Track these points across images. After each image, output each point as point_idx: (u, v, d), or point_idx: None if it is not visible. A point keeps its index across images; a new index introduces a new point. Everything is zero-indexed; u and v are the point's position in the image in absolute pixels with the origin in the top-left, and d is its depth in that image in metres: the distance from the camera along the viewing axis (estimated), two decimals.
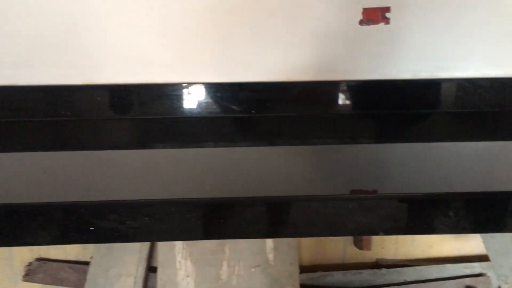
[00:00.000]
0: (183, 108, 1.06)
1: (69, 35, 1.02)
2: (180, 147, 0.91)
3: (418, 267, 1.18)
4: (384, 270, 1.17)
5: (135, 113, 1.06)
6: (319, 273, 1.17)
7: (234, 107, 1.08)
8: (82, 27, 1.01)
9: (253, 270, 1.03)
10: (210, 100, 1.07)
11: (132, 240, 0.68)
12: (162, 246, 1.06)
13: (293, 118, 1.05)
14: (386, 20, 0.99)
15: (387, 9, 1.00)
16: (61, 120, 1.05)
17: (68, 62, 1.03)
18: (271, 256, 1.05)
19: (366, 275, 1.16)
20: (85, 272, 1.14)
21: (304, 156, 0.84)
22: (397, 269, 1.18)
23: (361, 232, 0.80)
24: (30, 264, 1.17)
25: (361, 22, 1.02)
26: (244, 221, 0.66)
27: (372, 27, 1.03)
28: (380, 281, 1.17)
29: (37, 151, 0.89)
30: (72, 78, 1.04)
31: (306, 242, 1.19)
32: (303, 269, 1.17)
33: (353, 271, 1.17)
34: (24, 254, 1.17)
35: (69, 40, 1.02)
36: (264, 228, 0.67)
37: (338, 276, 1.17)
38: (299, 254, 1.17)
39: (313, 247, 1.21)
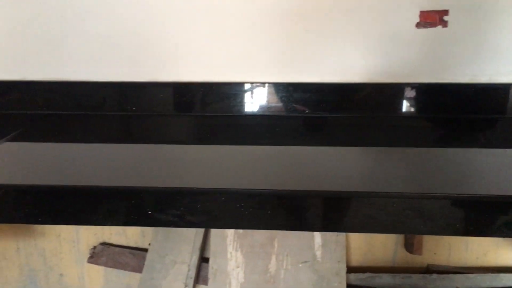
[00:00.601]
0: (243, 106, 1.12)
1: (138, 36, 1.11)
2: (239, 144, 0.96)
3: (470, 275, 1.16)
4: (435, 276, 1.17)
5: (196, 110, 1.14)
6: (367, 274, 1.19)
7: (294, 106, 1.12)
8: (151, 29, 1.10)
9: (300, 265, 1.07)
10: (270, 100, 1.12)
11: (189, 226, 0.75)
12: (214, 237, 1.12)
13: (351, 119, 1.08)
14: (444, 23, 1.00)
15: (445, 12, 1.01)
16: (128, 114, 1.14)
17: (137, 61, 1.12)
18: (318, 253, 1.08)
19: (416, 280, 1.16)
20: (143, 258, 1.22)
21: (362, 156, 0.87)
22: (449, 275, 1.17)
23: (414, 231, 0.81)
24: (95, 247, 1.28)
25: (418, 25, 1.03)
26: (299, 213, 0.70)
27: (429, 30, 1.04)
28: (430, 286, 1.16)
29: (106, 142, 0.98)
30: (140, 75, 1.13)
31: (355, 243, 1.21)
32: (351, 270, 1.19)
33: (402, 275, 1.18)
34: (90, 239, 1.28)
35: (139, 41, 1.11)
36: (318, 221, 0.71)
37: (386, 279, 1.18)
38: (348, 254, 1.19)
39: (363, 248, 1.22)
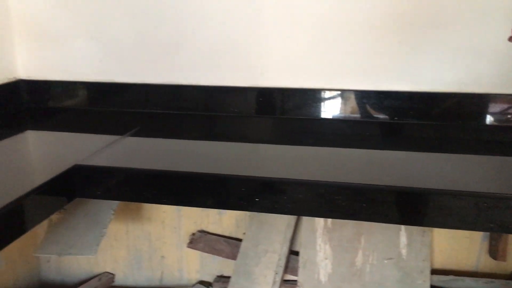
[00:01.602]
0: (328, 111, 1.23)
1: (239, 45, 1.26)
2: (321, 146, 1.07)
3: None
4: None
5: (283, 113, 1.26)
6: (450, 277, 1.24)
7: (378, 113, 1.21)
8: (249, 38, 1.24)
9: (386, 261, 1.15)
10: (354, 105, 1.22)
11: (287, 212, 0.87)
12: (305, 231, 1.23)
13: (436, 126, 1.15)
14: None
15: None
16: (229, 116, 1.29)
17: (237, 67, 1.27)
18: (404, 251, 1.15)
19: (499, 285, 1.20)
20: (237, 246, 1.36)
21: (445, 162, 0.94)
22: None
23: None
24: (193, 234, 1.44)
25: (511, 39, 1.09)
26: (386, 208, 0.80)
27: None
28: None
29: (208, 140, 1.13)
30: (240, 81, 1.28)
31: (440, 246, 1.27)
32: (434, 272, 1.25)
33: (485, 279, 1.22)
34: (190, 226, 1.44)
35: (240, 49, 1.26)
36: (405, 216, 0.80)
37: (469, 282, 1.23)
38: (431, 256, 1.26)
39: (447, 251, 1.28)
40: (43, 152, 1.08)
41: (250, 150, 1.06)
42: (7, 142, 1.10)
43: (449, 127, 1.16)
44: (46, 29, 1.33)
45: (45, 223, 1.44)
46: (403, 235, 1.16)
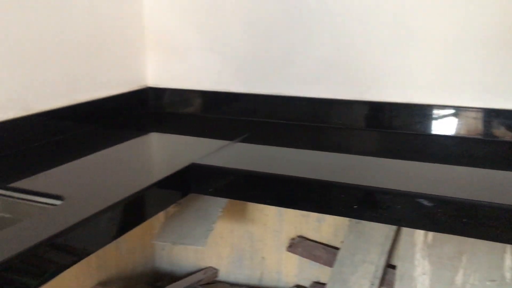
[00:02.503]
0: (438, 127, 1.23)
1: (346, 58, 1.32)
2: (429, 161, 1.08)
3: None
4: None
5: (390, 127, 1.29)
6: None
7: (494, 131, 1.19)
8: (358, 52, 1.29)
9: (488, 283, 1.12)
10: (468, 123, 1.21)
11: (384, 221, 0.91)
12: (404, 244, 1.24)
13: None
14: None
15: None
16: (335, 127, 1.35)
17: (346, 81, 1.33)
18: (508, 275, 1.12)
19: None
20: (334, 254, 1.40)
21: None
22: None
23: None
24: (293, 239, 1.51)
25: None
26: (491, 225, 0.80)
27: None
28: None
29: (314, 150, 1.20)
30: (348, 94, 1.33)
31: None
32: None
33: None
34: (290, 230, 1.52)
35: (350, 63, 1.32)
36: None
37: None
38: None
39: None
40: (164, 152, 1.24)
41: (353, 161, 1.11)
42: (134, 142, 1.27)
43: None
44: (173, 43, 1.51)
45: (162, 215, 1.61)
46: (508, 258, 1.12)
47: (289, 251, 1.51)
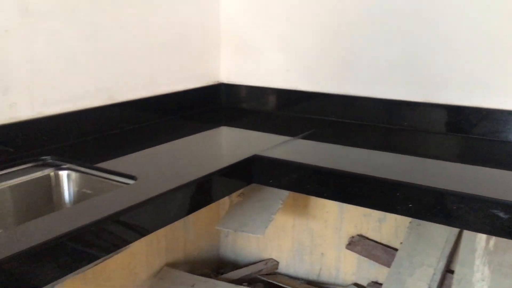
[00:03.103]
0: None
1: (418, 61, 1.32)
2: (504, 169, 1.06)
3: None
4: None
5: (466, 132, 1.27)
6: None
7: None
8: (431, 52, 1.29)
9: None
10: None
11: (449, 224, 0.92)
12: (464, 249, 1.23)
13: None
14: None
15: None
16: (398, 128, 1.36)
17: (412, 82, 1.33)
18: None
19: None
20: (393, 255, 1.41)
21: None
22: None
23: None
24: (353, 237, 1.54)
25: None
26: None
27: None
28: None
29: (374, 149, 1.22)
30: (413, 96, 1.34)
31: None
32: None
33: None
34: (350, 228, 1.54)
35: (418, 65, 1.32)
36: None
37: None
38: None
39: None
40: (231, 143, 1.32)
41: (418, 162, 1.12)
42: (206, 134, 1.36)
43: None
44: (246, 42, 1.60)
45: (227, 204, 1.70)
46: None
47: (348, 248, 1.54)
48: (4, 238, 0.71)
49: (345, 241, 1.56)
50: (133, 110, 1.36)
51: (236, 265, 1.78)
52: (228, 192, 1.12)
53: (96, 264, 0.99)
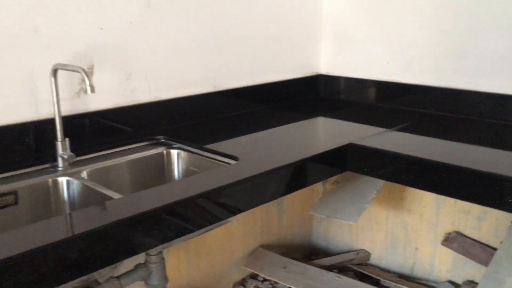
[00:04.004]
0: None
1: None
2: None
3: None
4: None
5: None
6: None
7: None
8: None
9: None
10: None
11: None
12: None
13: None
14: None
15: None
16: (501, 123, 1.32)
17: None
18: None
19: None
20: (491, 255, 1.37)
21: None
22: None
23: None
24: (449, 233, 1.51)
25: None
26: None
27: None
28: None
29: (467, 143, 1.20)
30: None
31: None
32: None
33: None
34: (447, 225, 1.52)
35: None
36: None
37: None
38: None
39: None
40: (327, 132, 1.37)
41: None
42: (304, 123, 1.42)
43: None
44: (348, 33, 1.63)
45: (320, 192, 1.75)
46: None
47: (444, 245, 1.51)
48: (125, 201, 0.83)
49: (440, 237, 1.54)
50: (235, 98, 1.46)
51: (327, 253, 1.82)
52: (322, 177, 1.17)
53: (197, 236, 1.10)
